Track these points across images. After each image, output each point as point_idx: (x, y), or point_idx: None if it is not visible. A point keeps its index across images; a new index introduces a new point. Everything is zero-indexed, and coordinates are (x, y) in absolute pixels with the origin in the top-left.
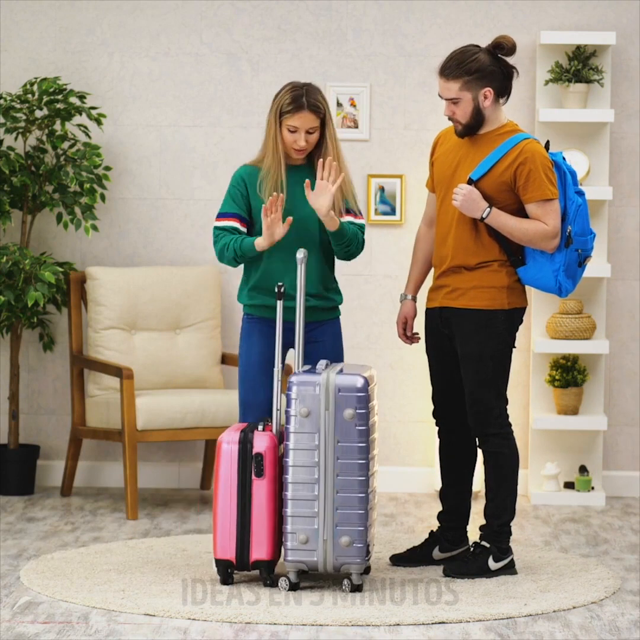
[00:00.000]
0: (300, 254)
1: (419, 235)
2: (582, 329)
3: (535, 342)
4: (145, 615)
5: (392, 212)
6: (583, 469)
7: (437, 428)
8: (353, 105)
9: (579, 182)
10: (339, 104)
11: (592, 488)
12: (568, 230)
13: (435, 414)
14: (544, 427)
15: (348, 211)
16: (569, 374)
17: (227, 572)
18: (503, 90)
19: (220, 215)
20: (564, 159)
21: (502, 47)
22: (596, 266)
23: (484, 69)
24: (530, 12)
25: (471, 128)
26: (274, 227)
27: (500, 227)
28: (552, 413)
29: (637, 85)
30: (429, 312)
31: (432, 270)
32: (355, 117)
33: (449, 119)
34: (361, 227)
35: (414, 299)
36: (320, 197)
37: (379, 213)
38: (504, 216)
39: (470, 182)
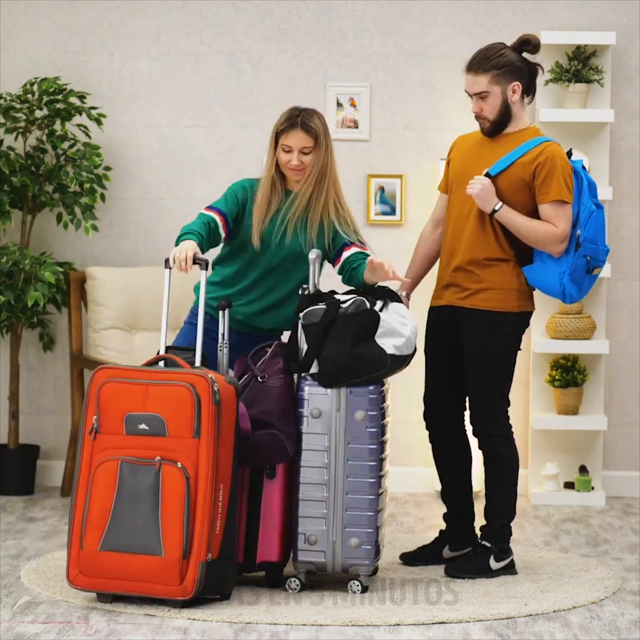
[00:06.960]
0: (313, 254)
1: (423, 234)
2: (582, 329)
3: (535, 342)
4: (145, 616)
5: (392, 212)
6: (583, 469)
7: (428, 432)
8: (353, 105)
9: (597, 195)
10: (339, 104)
11: (592, 488)
12: (577, 234)
13: (426, 416)
14: (544, 427)
15: (353, 243)
16: (569, 374)
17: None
18: (528, 88)
19: (208, 207)
20: (583, 167)
21: (529, 43)
22: None
23: (512, 64)
24: (530, 12)
25: (499, 125)
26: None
27: (509, 223)
28: (552, 413)
29: (637, 85)
30: (434, 310)
31: (435, 272)
32: (355, 117)
33: (476, 117)
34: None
35: (408, 296)
36: (375, 277)
37: (378, 213)
38: (514, 213)
39: (487, 176)
